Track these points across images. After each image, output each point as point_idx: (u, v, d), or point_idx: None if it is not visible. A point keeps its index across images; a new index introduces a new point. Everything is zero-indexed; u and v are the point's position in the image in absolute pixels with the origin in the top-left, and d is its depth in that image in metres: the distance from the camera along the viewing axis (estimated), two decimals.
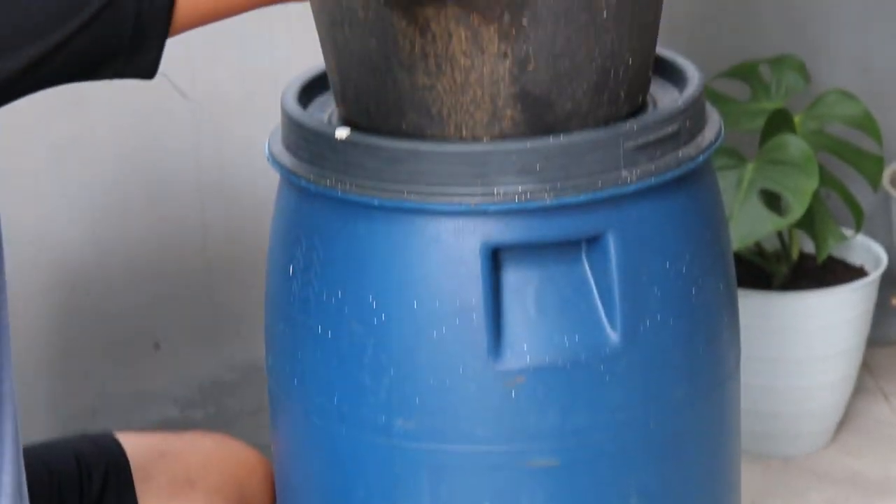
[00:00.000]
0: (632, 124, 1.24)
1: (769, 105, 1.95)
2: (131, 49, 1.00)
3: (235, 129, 1.93)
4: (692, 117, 1.27)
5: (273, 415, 1.37)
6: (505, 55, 1.22)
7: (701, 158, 1.27)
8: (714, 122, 1.31)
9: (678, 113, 1.26)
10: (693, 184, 1.29)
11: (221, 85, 1.91)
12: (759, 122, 1.92)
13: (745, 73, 1.99)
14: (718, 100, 1.95)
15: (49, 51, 0.98)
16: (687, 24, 1.97)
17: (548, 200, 1.21)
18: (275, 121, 1.37)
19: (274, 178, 1.34)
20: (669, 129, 1.25)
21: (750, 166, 1.89)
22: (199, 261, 1.97)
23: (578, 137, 1.23)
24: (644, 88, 1.31)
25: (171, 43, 1.84)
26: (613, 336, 1.25)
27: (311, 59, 1.47)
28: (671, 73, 1.36)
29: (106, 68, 1.01)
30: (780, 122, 1.89)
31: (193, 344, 2.00)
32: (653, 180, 1.23)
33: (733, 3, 1.98)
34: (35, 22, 0.97)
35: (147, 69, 1.03)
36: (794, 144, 1.86)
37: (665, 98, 1.33)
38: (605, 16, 1.22)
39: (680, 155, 1.26)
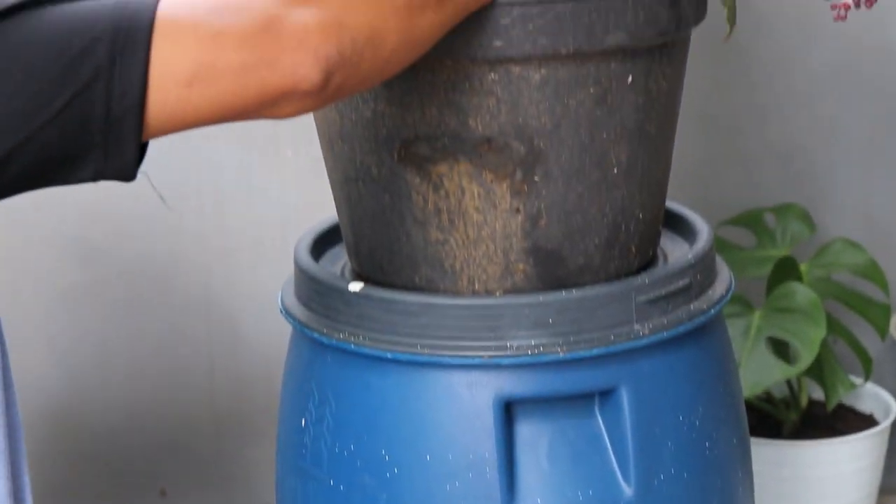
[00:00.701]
0: (643, 278, 1.26)
1: (775, 253, 1.97)
2: (105, 147, 0.99)
3: (245, 277, 1.94)
4: (703, 271, 1.29)
5: None
6: (517, 211, 1.24)
7: (712, 312, 1.28)
8: (724, 274, 1.33)
9: (689, 267, 1.28)
10: (705, 336, 1.30)
11: (232, 233, 1.94)
12: (766, 270, 1.94)
13: (750, 221, 2.01)
14: (724, 247, 1.97)
15: (17, 146, 0.96)
16: (692, 173, 2.00)
17: (561, 354, 1.22)
18: (285, 269, 1.39)
19: (283, 326, 1.35)
20: (681, 282, 1.27)
21: (757, 314, 1.90)
22: (207, 408, 1.97)
23: (591, 291, 1.24)
24: (654, 242, 1.33)
25: (181, 189, 1.87)
26: (627, 490, 1.25)
27: (320, 207, 1.49)
28: (680, 227, 1.38)
29: (81, 167, 0.99)
30: (786, 270, 1.91)
31: (200, 492, 2.00)
32: (665, 334, 1.25)
33: (738, 152, 2.02)
34: (1, 119, 0.96)
35: (125, 170, 1.00)
36: (802, 293, 1.87)
37: (675, 251, 1.35)
38: (615, 172, 1.25)
39: (692, 308, 1.27)
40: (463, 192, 1.24)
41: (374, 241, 1.29)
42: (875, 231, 2.04)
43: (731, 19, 1.24)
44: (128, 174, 1.00)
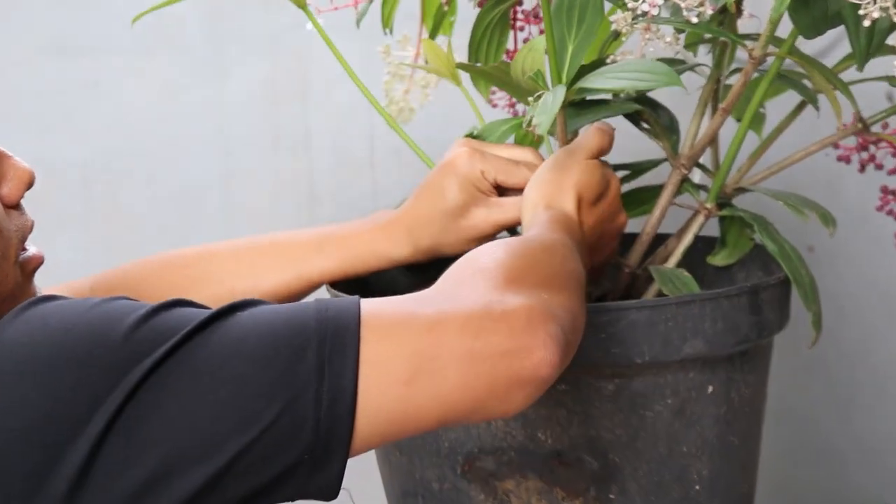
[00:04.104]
0: None
1: None
2: (312, 462, 0.94)
3: None
4: None
5: None
6: None
7: None
8: None
9: None
10: None
11: None
12: None
13: None
14: None
15: (225, 467, 0.92)
16: (771, 469, 1.99)
17: None
18: None
19: None
20: None
21: None
22: None
23: None
24: None
25: None
26: None
27: None
28: None
29: (284, 485, 0.94)
30: None
31: None
32: None
33: (819, 447, 2.01)
34: (209, 436, 0.92)
35: (328, 488, 0.95)
36: None
37: None
38: (697, 488, 1.24)
39: None
40: None
41: None
42: None
43: (817, 325, 1.26)
44: (331, 492, 0.96)
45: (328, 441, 0.94)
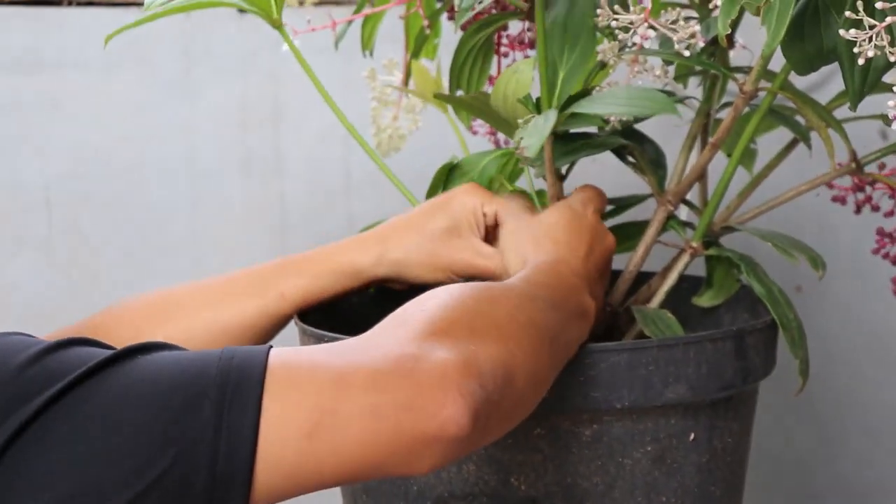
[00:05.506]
0: None
1: None
2: None
3: None
4: None
5: None
6: None
7: None
8: None
9: None
10: None
11: None
12: None
13: None
14: None
15: None
16: None
17: None
18: None
19: None
20: None
21: None
22: None
23: None
24: None
25: None
26: None
27: None
28: None
29: None
30: None
31: None
32: None
33: (806, 491, 2.01)
34: (96, 485, 0.90)
35: None
36: None
37: None
38: None
39: None
40: None
41: None
42: None
43: (804, 372, 1.25)
44: None
45: (225, 494, 0.93)
